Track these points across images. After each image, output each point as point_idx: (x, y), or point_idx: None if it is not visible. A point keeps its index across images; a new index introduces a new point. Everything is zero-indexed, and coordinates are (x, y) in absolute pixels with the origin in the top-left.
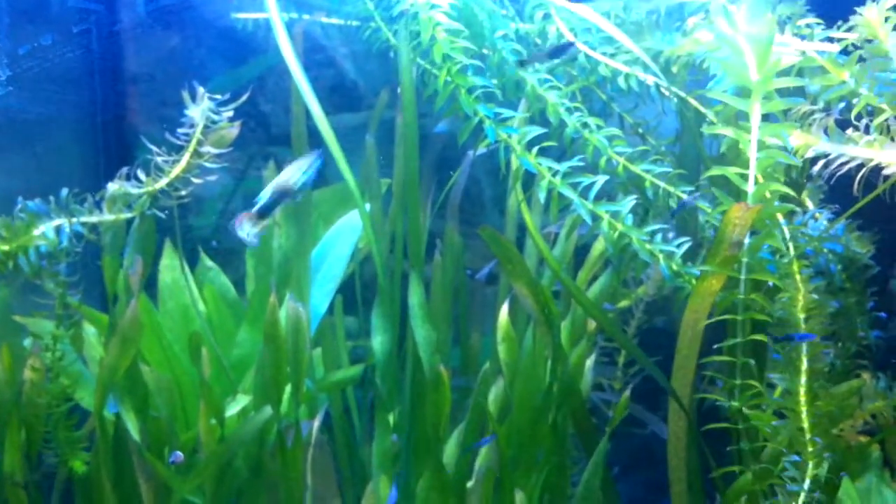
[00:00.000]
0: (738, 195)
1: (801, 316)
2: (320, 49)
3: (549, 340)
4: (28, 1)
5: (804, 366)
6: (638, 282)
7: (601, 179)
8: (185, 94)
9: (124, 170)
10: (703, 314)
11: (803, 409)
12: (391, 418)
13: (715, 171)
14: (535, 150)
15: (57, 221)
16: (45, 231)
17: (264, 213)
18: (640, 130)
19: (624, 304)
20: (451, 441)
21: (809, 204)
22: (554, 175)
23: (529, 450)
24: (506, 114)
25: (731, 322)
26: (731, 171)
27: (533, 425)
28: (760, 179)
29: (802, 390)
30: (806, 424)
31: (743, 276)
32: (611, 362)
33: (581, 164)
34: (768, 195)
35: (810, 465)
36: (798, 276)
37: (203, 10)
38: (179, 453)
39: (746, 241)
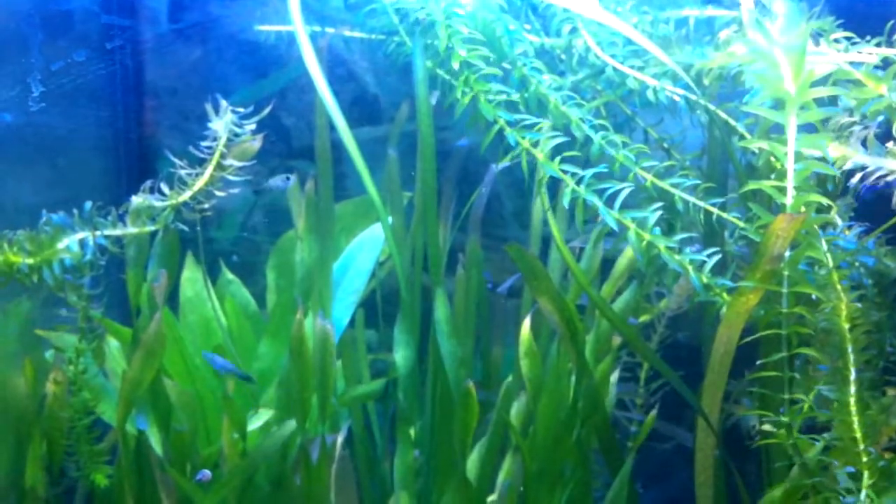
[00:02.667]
0: (770, 209)
1: (846, 326)
2: (341, 62)
3: (573, 355)
4: (59, 18)
5: (852, 375)
6: (660, 296)
7: (627, 187)
8: (209, 107)
9: (148, 183)
10: (738, 330)
11: (855, 418)
12: (412, 433)
13: (752, 185)
14: (558, 158)
15: (81, 234)
16: (69, 244)
17: None
18: (666, 145)
19: (645, 318)
20: (472, 456)
21: (838, 219)
22: (578, 183)
23: (553, 465)
24: (528, 121)
25: (762, 337)
26: (768, 185)
27: (557, 441)
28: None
29: (853, 400)
30: (859, 434)
31: (785, 290)
32: (632, 378)
33: (606, 170)
34: (803, 208)
35: (865, 474)
36: (839, 287)
37: (226, 23)
38: (207, 472)
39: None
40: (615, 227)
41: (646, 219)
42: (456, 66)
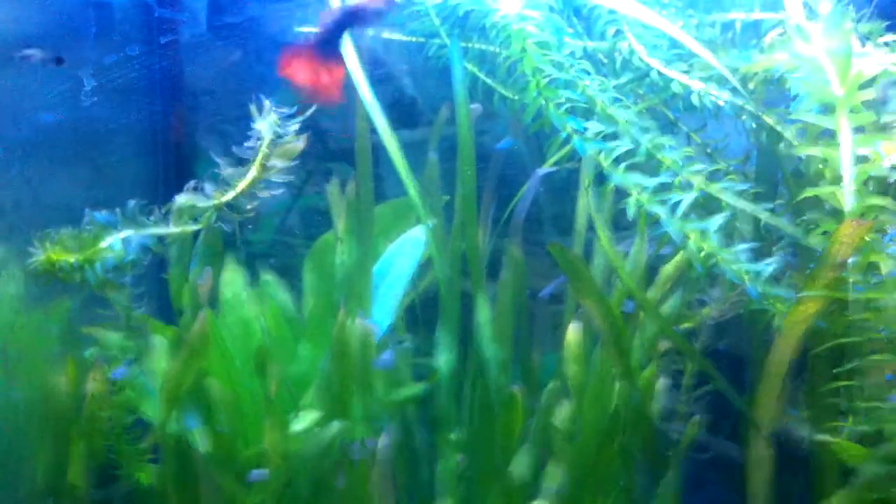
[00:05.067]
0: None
1: None
2: (380, 64)
3: (617, 360)
4: (109, 11)
5: None
6: (702, 303)
7: (690, 197)
8: (253, 108)
9: (192, 182)
10: (796, 338)
11: None
12: (453, 437)
13: (809, 191)
14: (622, 166)
15: (124, 233)
16: (112, 243)
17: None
18: (709, 150)
19: (687, 325)
20: (514, 460)
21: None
22: (642, 191)
23: (596, 473)
24: (594, 128)
25: (815, 345)
26: (826, 190)
27: (600, 447)
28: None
29: None
30: None
31: (851, 297)
32: (673, 385)
33: (669, 180)
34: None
35: None
36: None
37: (265, 24)
38: (261, 471)
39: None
40: (677, 238)
41: (706, 230)
42: (528, 70)
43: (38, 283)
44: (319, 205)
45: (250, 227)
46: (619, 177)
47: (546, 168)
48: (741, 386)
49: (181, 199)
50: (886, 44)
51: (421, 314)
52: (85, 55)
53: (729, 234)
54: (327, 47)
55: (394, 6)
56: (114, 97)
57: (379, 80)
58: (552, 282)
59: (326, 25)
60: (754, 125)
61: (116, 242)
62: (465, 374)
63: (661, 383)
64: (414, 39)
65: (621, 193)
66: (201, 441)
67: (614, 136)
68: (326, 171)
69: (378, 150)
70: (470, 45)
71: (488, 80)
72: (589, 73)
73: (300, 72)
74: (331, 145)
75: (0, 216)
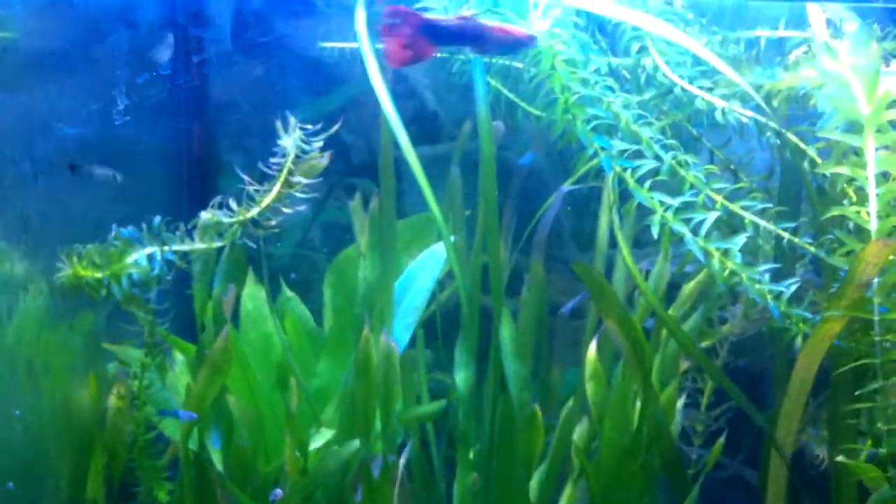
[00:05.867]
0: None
1: None
2: (402, 79)
3: (639, 379)
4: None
5: None
6: (722, 320)
7: (713, 216)
8: (278, 124)
9: (217, 199)
10: (819, 357)
11: None
12: (471, 454)
13: (835, 210)
14: (647, 184)
15: (149, 249)
16: (137, 258)
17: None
18: (732, 166)
19: (707, 343)
20: (533, 479)
21: None
22: (666, 210)
23: (617, 492)
24: (620, 146)
25: (838, 364)
26: (851, 210)
27: (620, 466)
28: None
29: None
30: None
31: (877, 317)
32: (692, 404)
33: (693, 199)
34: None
35: None
36: None
37: (289, 40)
38: (279, 491)
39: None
40: (701, 257)
41: (729, 249)
42: (556, 87)
43: (64, 298)
44: (341, 219)
45: (273, 242)
46: (643, 195)
47: (569, 185)
48: (761, 403)
49: (206, 216)
50: None
51: (441, 328)
52: (116, 73)
53: (752, 251)
54: (437, 35)
55: (533, 44)
56: (141, 114)
57: (402, 94)
58: (573, 297)
59: (459, 24)
60: (778, 142)
61: (142, 258)
62: (484, 390)
63: (682, 403)
64: (438, 54)
65: (644, 210)
66: (220, 457)
67: (638, 154)
68: (349, 186)
69: (401, 164)
70: (493, 60)
71: (511, 96)
72: (613, 90)
73: (397, 33)
74: (354, 160)
75: (27, 231)
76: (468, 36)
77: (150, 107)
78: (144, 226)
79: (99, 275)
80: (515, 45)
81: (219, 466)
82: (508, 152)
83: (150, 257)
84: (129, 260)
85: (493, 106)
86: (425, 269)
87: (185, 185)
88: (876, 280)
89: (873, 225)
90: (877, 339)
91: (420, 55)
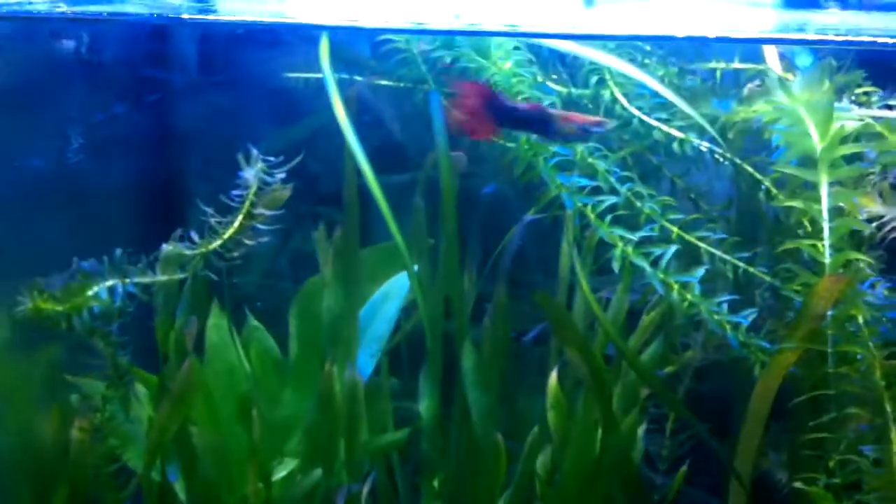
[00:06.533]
0: (799, 262)
1: (882, 383)
2: (368, 109)
3: (600, 407)
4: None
5: (893, 434)
6: (686, 346)
7: (671, 250)
8: (240, 156)
9: (178, 231)
10: (775, 387)
11: None
12: (436, 483)
13: (789, 244)
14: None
15: (111, 282)
16: (99, 291)
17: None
18: (692, 195)
19: (671, 369)
20: None
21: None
22: (626, 244)
23: None
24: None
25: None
26: (805, 243)
27: (582, 493)
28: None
29: None
30: None
31: (830, 349)
32: (657, 429)
33: (652, 234)
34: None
35: None
36: (870, 343)
37: (255, 71)
38: None
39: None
40: (661, 291)
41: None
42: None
43: (27, 330)
44: (308, 249)
45: (241, 271)
46: (603, 230)
47: (532, 215)
48: (726, 429)
49: (167, 248)
50: (866, 93)
51: (406, 356)
52: (72, 112)
53: (713, 277)
54: (504, 116)
55: (602, 130)
56: (104, 149)
57: (368, 124)
58: (538, 325)
59: (527, 108)
60: (734, 173)
61: (103, 291)
62: (450, 419)
63: (643, 430)
64: (402, 85)
65: (606, 240)
66: (184, 488)
67: (599, 189)
68: (317, 215)
69: (368, 194)
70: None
71: None
72: None
73: (465, 107)
74: (322, 189)
75: None
76: (534, 121)
77: (114, 141)
78: (106, 258)
79: (60, 308)
80: (583, 132)
81: (182, 497)
82: (475, 180)
83: (112, 290)
84: (91, 293)
85: (458, 136)
86: (389, 297)
87: (153, 218)
88: (829, 312)
89: (827, 258)
90: (830, 370)
91: (482, 132)
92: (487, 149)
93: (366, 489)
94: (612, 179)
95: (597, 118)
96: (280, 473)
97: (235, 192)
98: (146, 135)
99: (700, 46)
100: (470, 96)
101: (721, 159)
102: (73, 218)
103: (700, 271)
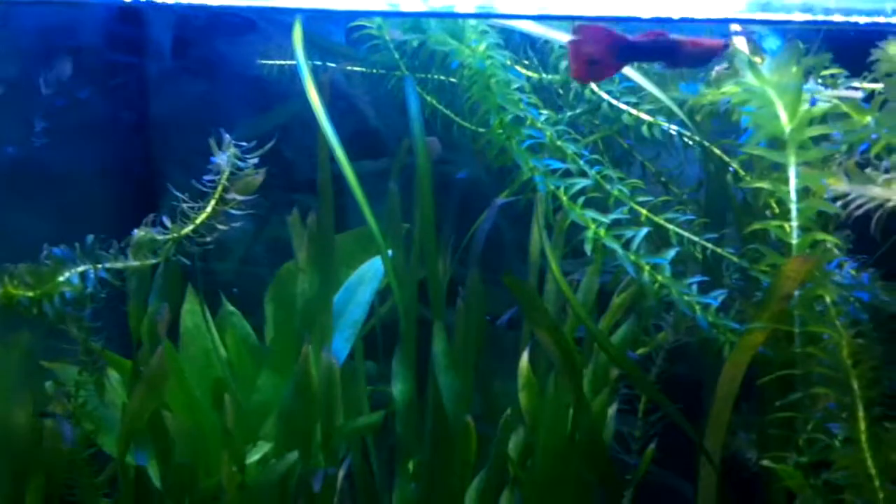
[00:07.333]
0: (767, 243)
1: (849, 362)
2: (343, 96)
3: (571, 388)
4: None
5: (860, 412)
6: (659, 328)
7: (642, 233)
8: (212, 142)
9: (150, 216)
10: (744, 367)
11: (867, 455)
12: (411, 466)
13: (757, 225)
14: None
15: (82, 267)
16: (70, 277)
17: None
18: (663, 178)
19: (643, 351)
20: (471, 489)
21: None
22: (598, 227)
23: (551, 499)
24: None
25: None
26: (773, 225)
27: (555, 474)
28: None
29: (864, 437)
30: (874, 471)
31: (797, 329)
32: (630, 410)
33: (623, 216)
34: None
35: None
36: (837, 323)
37: (229, 58)
38: None
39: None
40: (632, 272)
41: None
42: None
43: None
44: (284, 235)
45: (217, 257)
46: (575, 212)
47: (504, 198)
48: (699, 410)
49: (139, 234)
50: (832, 76)
51: (381, 341)
52: (38, 97)
53: (682, 260)
54: (629, 52)
55: (727, 50)
56: (78, 133)
57: (342, 111)
58: (508, 308)
59: (650, 40)
60: (703, 156)
61: (75, 276)
62: (425, 402)
63: (613, 410)
64: (375, 72)
65: (579, 223)
66: (158, 473)
67: (570, 171)
68: (291, 202)
69: (343, 180)
70: (429, 76)
71: (448, 112)
72: (537, 109)
73: (584, 50)
74: (297, 176)
75: None
76: (662, 51)
77: (85, 126)
78: (77, 245)
79: (31, 294)
80: (709, 55)
81: (157, 482)
82: (449, 166)
83: (84, 275)
84: (62, 278)
85: (430, 122)
86: (364, 282)
87: (129, 205)
88: (797, 293)
89: (794, 239)
90: (797, 350)
91: (608, 73)
92: (460, 135)
93: (341, 473)
94: (581, 163)
95: (720, 40)
96: (254, 457)
97: (208, 178)
98: (117, 120)
99: (666, 28)
100: (592, 42)
101: (690, 142)
102: (46, 205)
103: (671, 253)
